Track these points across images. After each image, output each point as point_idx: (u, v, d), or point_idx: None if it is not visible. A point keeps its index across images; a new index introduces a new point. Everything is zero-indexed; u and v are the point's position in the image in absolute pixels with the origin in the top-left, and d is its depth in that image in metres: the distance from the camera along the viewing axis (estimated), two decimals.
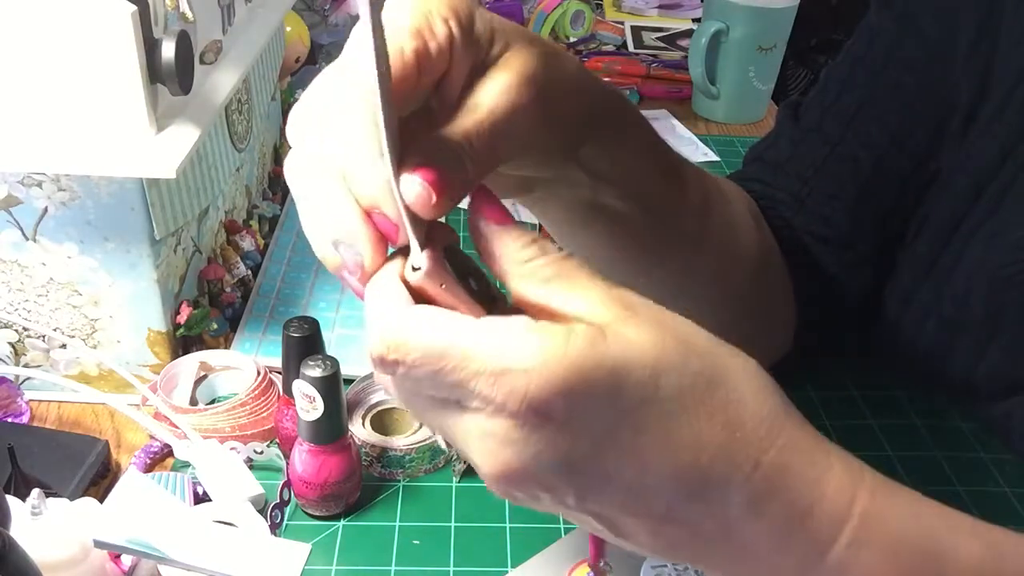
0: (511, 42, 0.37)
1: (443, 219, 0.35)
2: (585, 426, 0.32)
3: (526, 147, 0.39)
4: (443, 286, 0.33)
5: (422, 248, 0.33)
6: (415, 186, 0.32)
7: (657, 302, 0.35)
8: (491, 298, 0.35)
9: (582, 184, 0.45)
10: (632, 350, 0.32)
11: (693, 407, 0.33)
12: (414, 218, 0.33)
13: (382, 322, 0.33)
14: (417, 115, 0.36)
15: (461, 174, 0.34)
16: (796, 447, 0.34)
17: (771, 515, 0.34)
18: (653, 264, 0.53)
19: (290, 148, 0.36)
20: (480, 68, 0.37)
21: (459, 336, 0.31)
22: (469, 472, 0.61)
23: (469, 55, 0.36)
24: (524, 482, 0.33)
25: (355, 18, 1.24)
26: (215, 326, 0.71)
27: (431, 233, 0.34)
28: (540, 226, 0.53)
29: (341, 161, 0.34)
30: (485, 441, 0.32)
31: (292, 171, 0.36)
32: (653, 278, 0.53)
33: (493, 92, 0.36)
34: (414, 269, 0.33)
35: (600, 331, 0.32)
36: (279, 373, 0.62)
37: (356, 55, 0.34)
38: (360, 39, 0.30)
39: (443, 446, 0.59)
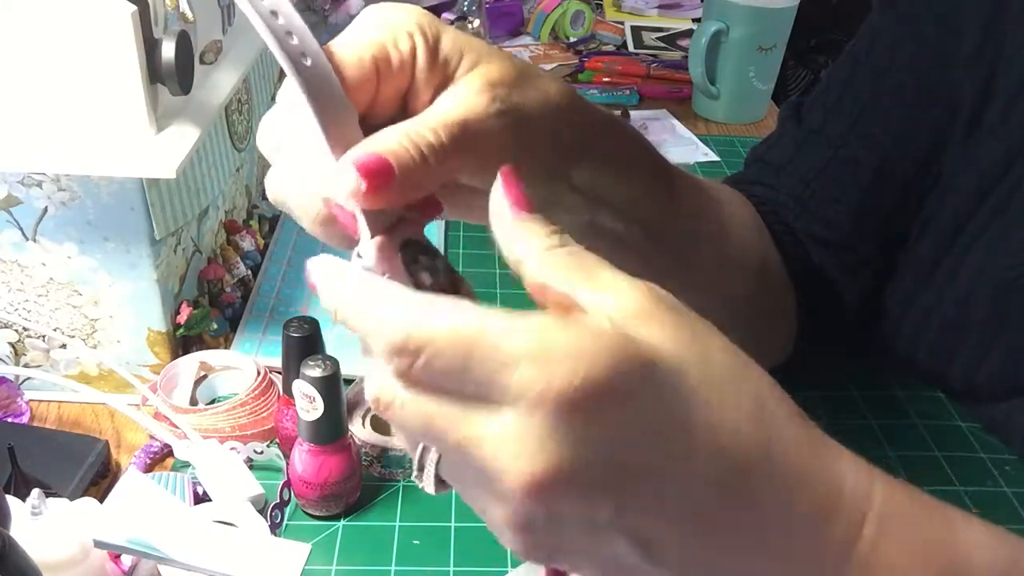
0: (481, 59, 0.37)
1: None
2: (635, 413, 0.29)
3: (498, 160, 0.37)
4: (386, 276, 0.33)
5: (372, 236, 0.33)
6: (348, 176, 0.32)
7: None
8: (451, 294, 0.34)
9: (579, 208, 0.44)
10: (661, 342, 0.31)
11: (722, 398, 0.31)
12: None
13: (398, 308, 0.29)
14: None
15: (412, 161, 0.34)
16: (818, 443, 0.34)
17: (803, 505, 0.32)
18: (653, 279, 0.52)
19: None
20: (447, 84, 0.37)
21: (491, 321, 0.29)
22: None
23: (436, 72, 0.36)
24: (563, 488, 0.29)
25: (354, 19, 1.24)
26: (215, 326, 0.71)
27: (396, 226, 0.34)
28: None
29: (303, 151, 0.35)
30: (519, 443, 0.28)
31: (263, 141, 0.37)
32: None
33: (454, 92, 0.36)
34: (358, 256, 0.33)
35: (625, 325, 0.30)
36: (279, 373, 0.62)
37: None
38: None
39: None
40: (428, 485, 0.35)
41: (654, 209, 0.48)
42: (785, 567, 0.33)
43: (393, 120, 0.36)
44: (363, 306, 0.31)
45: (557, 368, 0.28)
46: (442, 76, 0.37)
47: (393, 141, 0.34)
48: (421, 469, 0.35)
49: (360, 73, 0.35)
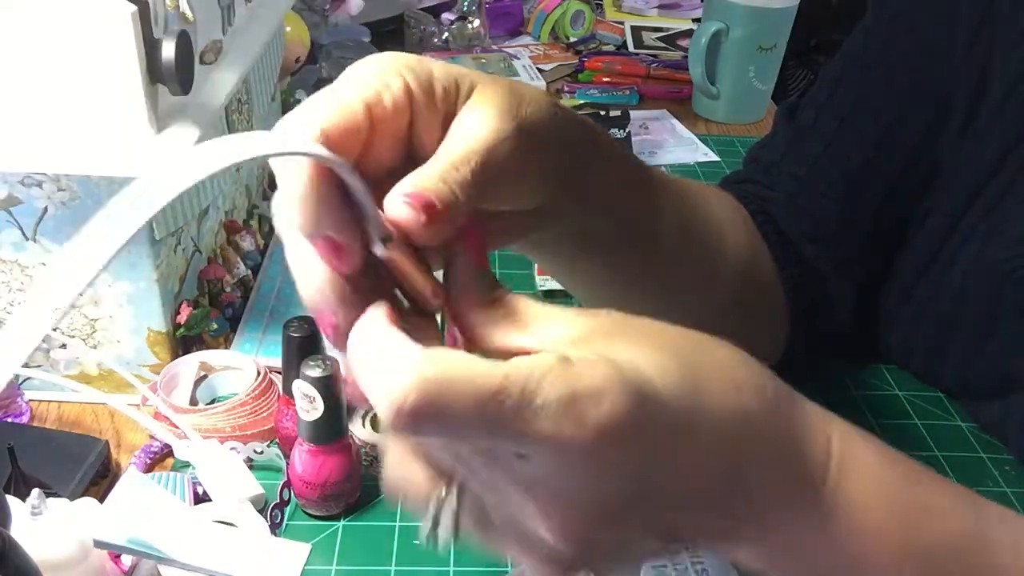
0: (476, 83, 0.37)
1: None
2: (653, 438, 0.30)
3: (516, 178, 0.37)
4: (413, 264, 0.33)
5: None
6: (401, 207, 0.32)
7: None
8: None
9: (571, 215, 0.44)
10: (658, 376, 0.31)
11: (709, 399, 0.33)
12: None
13: (408, 369, 0.27)
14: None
15: (448, 200, 0.32)
16: (786, 415, 0.37)
17: (784, 482, 0.36)
18: (639, 283, 0.51)
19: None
20: (452, 116, 0.36)
21: (512, 371, 0.28)
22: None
23: (438, 108, 0.35)
24: (603, 523, 0.32)
25: (355, 19, 1.24)
26: (215, 326, 0.71)
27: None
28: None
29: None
30: (552, 488, 0.31)
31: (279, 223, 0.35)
32: (640, 297, 0.52)
33: (467, 121, 0.35)
34: (383, 241, 0.32)
35: (617, 363, 0.30)
36: (279, 373, 0.62)
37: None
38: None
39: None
40: (444, 535, 0.35)
41: (640, 213, 0.48)
42: (765, 530, 0.36)
43: (399, 167, 0.35)
44: (371, 372, 0.29)
45: (585, 409, 0.28)
46: (445, 109, 0.36)
47: (437, 181, 0.33)
48: (436, 525, 0.35)
49: (354, 123, 0.33)
